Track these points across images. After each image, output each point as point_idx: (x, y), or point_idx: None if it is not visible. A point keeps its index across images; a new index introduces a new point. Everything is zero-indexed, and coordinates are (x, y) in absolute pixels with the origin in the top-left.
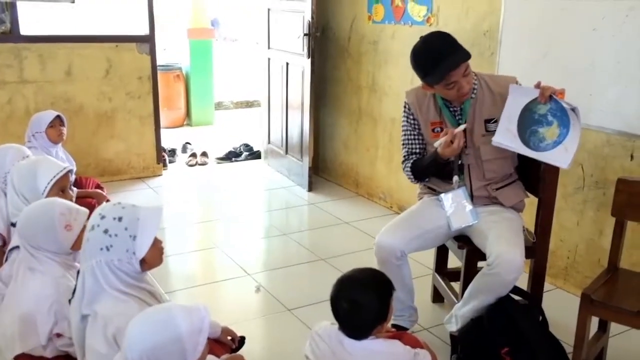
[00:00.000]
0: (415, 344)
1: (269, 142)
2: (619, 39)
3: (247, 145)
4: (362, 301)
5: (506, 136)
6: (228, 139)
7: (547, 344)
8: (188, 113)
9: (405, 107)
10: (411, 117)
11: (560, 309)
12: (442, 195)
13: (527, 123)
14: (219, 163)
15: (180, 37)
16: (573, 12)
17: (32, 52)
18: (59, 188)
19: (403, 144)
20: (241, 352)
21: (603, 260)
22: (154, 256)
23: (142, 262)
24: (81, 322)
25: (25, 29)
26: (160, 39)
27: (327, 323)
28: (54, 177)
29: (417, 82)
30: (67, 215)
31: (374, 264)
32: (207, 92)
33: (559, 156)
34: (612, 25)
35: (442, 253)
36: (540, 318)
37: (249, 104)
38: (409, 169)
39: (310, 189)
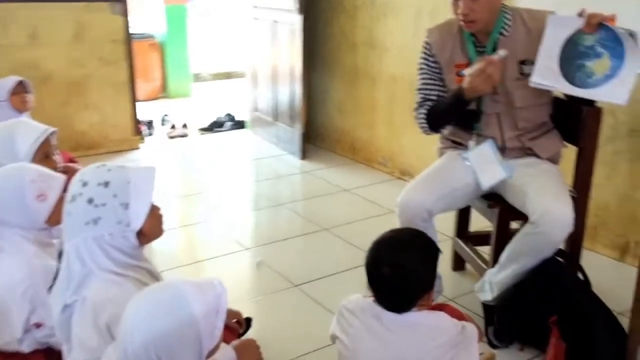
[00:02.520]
0: (459, 316)
1: (255, 110)
2: None
3: (229, 115)
4: (407, 265)
5: (546, 75)
6: (208, 110)
7: (602, 310)
8: (164, 85)
9: (425, 47)
10: (431, 59)
11: (591, 271)
12: (467, 152)
13: (572, 57)
14: (202, 134)
15: (153, 4)
16: None
17: None
18: (43, 153)
19: (419, 89)
20: (249, 334)
21: (638, 216)
22: (153, 226)
23: (139, 234)
24: (64, 311)
25: None
26: (131, 5)
27: (359, 296)
28: (36, 140)
29: (422, 34)
30: (39, 183)
31: (383, 231)
32: (183, 62)
33: (613, 91)
34: None
35: (463, 215)
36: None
37: (227, 75)
38: (423, 115)
39: (303, 157)
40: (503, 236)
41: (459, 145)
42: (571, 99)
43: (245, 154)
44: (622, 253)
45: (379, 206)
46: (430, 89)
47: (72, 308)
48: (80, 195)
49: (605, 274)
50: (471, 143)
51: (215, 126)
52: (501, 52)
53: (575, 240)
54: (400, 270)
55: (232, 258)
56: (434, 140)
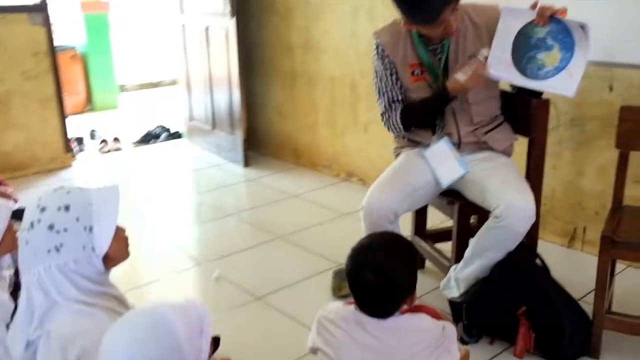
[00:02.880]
0: (436, 315)
1: (191, 119)
2: None
3: (163, 127)
4: (391, 269)
5: (500, 66)
6: (138, 122)
7: (566, 298)
8: (89, 97)
9: (377, 49)
10: (387, 59)
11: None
12: (425, 152)
13: (523, 49)
14: (136, 147)
15: (71, 14)
16: None
17: None
18: None
19: (380, 93)
20: (217, 353)
21: (584, 203)
22: (119, 249)
23: (105, 258)
24: (27, 349)
25: None
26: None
27: (338, 304)
28: None
29: (359, 33)
30: None
31: (339, 235)
32: (108, 73)
33: (563, 83)
34: None
35: (420, 213)
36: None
37: (153, 85)
38: (398, 118)
39: (246, 165)
40: (464, 232)
41: (416, 144)
42: (518, 91)
43: (185, 165)
44: (570, 239)
45: (330, 210)
46: (393, 90)
47: (36, 344)
48: (38, 222)
49: (557, 261)
50: (434, 139)
51: (149, 138)
52: (484, 52)
53: (532, 229)
54: (384, 275)
55: (186, 275)
56: (378, 139)
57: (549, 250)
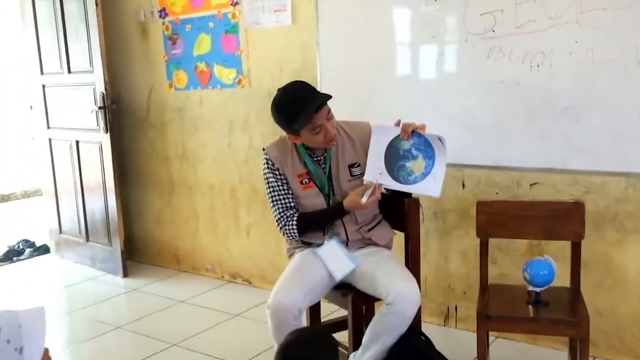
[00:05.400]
0: None
1: (61, 232)
2: (432, 83)
3: (27, 241)
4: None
5: (375, 174)
6: None
7: None
8: None
9: (268, 163)
10: (277, 172)
11: None
12: (317, 250)
13: (394, 159)
14: None
15: None
16: (388, 59)
17: None
18: None
19: (274, 201)
20: None
21: (453, 284)
22: None
23: None
24: None
25: None
26: None
27: None
28: None
29: (236, 143)
30: None
31: (235, 335)
32: None
33: (429, 186)
34: (427, 70)
35: (313, 307)
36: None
37: (4, 199)
38: (294, 225)
39: (125, 275)
40: (358, 320)
41: (308, 244)
42: (392, 193)
43: (57, 281)
44: (445, 318)
45: (221, 312)
46: (286, 198)
47: None
48: None
49: (436, 339)
50: (325, 239)
51: (12, 255)
52: (371, 175)
53: (417, 311)
54: None
55: None
56: (261, 241)
57: (428, 330)
